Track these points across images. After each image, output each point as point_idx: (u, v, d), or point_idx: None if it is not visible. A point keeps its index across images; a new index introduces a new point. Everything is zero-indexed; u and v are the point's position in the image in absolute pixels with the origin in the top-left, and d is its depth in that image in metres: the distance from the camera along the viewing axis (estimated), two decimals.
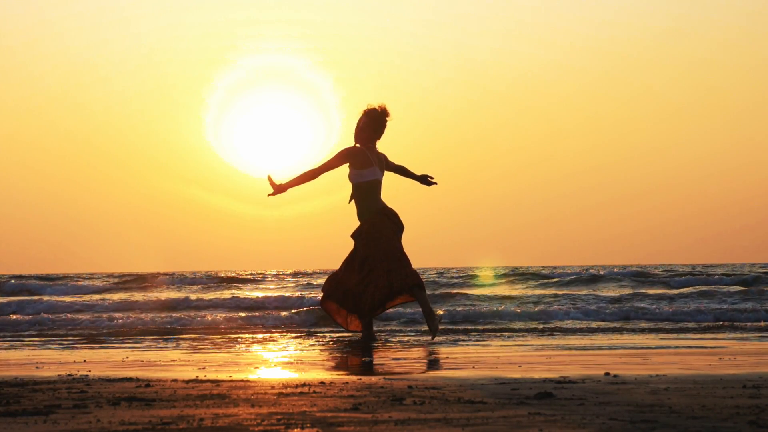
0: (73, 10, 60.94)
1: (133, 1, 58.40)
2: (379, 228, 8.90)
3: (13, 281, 28.83)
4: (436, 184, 9.32)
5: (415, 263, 9.10)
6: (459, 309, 14.19)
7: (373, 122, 8.99)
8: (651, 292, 18.61)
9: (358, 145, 8.99)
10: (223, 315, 13.74)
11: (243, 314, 13.74)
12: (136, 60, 55.19)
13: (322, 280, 28.21)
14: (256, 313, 13.80)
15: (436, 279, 26.47)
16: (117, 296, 20.75)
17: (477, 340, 9.03)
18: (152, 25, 57.44)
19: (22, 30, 58.62)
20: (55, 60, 57.31)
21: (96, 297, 20.80)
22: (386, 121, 9.05)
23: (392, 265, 8.83)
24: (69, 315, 14.00)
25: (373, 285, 8.80)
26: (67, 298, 19.80)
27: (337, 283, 9.06)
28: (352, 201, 9.03)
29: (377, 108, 9.03)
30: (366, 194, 8.96)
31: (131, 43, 55.61)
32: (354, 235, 9.04)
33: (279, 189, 8.93)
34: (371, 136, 8.99)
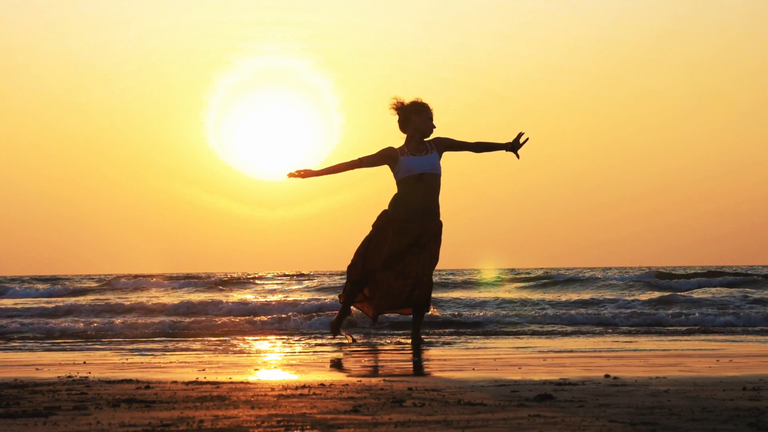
0: (73, 10, 60.97)
1: (133, 2, 58.42)
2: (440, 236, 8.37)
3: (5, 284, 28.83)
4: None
5: None
6: (458, 311, 14.18)
7: None
8: (652, 293, 18.62)
9: None
10: (223, 317, 13.74)
11: (243, 316, 13.74)
12: (136, 61, 55.23)
13: (322, 281, 28.23)
14: (256, 315, 13.80)
15: (436, 280, 26.48)
16: (105, 297, 20.77)
17: (476, 342, 9.03)
18: (153, 26, 57.46)
19: (22, 30, 58.64)
20: (56, 61, 57.34)
21: (93, 297, 20.81)
22: None
23: (430, 272, 8.35)
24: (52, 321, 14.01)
25: (413, 282, 8.24)
26: (67, 299, 19.81)
27: (371, 280, 8.35)
28: (430, 192, 8.28)
29: None
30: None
31: (132, 44, 55.64)
32: (432, 233, 8.30)
33: (515, 146, 8.32)
34: None
